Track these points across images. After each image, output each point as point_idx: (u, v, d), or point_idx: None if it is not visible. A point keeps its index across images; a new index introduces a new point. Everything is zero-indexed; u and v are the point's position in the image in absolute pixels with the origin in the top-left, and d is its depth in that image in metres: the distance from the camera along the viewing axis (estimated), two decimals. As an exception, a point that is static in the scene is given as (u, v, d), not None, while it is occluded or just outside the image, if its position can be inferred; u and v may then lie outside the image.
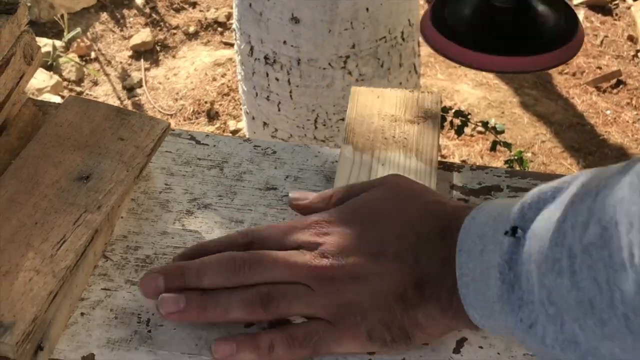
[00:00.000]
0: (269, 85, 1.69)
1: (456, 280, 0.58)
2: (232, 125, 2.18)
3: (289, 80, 1.66)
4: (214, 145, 0.79)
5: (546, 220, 0.51)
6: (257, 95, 1.73)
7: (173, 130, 0.80)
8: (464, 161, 2.02)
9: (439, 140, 0.77)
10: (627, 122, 2.25)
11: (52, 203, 0.65)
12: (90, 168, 0.68)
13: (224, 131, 2.17)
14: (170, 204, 0.73)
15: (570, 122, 2.24)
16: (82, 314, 0.65)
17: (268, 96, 1.70)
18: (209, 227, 0.71)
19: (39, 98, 2.27)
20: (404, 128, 0.77)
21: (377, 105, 0.80)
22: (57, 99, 2.33)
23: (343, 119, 1.68)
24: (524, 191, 0.75)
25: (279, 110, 1.71)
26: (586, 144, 2.18)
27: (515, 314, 0.53)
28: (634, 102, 2.31)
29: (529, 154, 2.14)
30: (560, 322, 0.49)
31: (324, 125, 1.70)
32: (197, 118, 2.22)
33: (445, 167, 0.77)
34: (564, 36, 0.80)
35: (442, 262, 0.60)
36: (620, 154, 2.17)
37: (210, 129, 2.17)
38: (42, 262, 0.61)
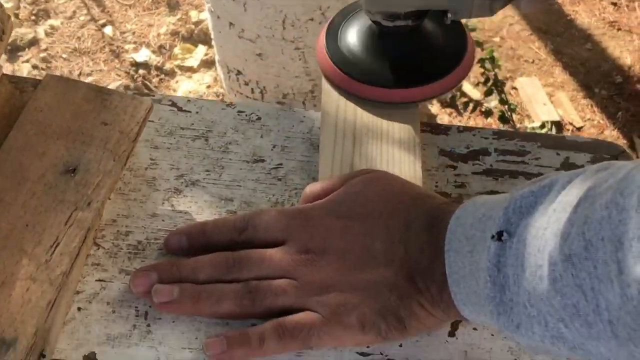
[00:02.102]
0: (234, -15, 1.63)
1: (445, 275, 0.59)
2: (194, 16, 2.12)
3: (255, -19, 1.61)
4: (197, 112, 0.77)
5: (530, 226, 0.53)
6: (221, -6, 1.67)
7: (153, 96, 0.78)
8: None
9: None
10: (594, 0, 2.23)
11: (41, 201, 0.64)
12: (75, 159, 0.66)
13: (186, 22, 2.11)
14: (157, 181, 0.72)
15: (538, 2, 2.21)
16: (79, 308, 0.65)
17: (233, -4, 1.65)
18: (198, 207, 0.71)
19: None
20: None
21: None
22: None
23: (312, 19, 1.65)
24: (511, 154, 0.76)
25: (246, 10, 1.66)
26: (554, 25, 2.16)
27: (507, 315, 0.54)
28: (600, -25, 2.28)
29: (497, 39, 2.12)
30: (545, 322, 0.52)
31: (292, 26, 1.66)
32: (157, 8, 2.15)
33: (433, 129, 0.77)
34: (454, 59, 0.76)
35: (430, 257, 0.61)
36: (587, 35, 2.15)
37: (171, 19, 2.11)
38: (38, 269, 0.61)
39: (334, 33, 0.78)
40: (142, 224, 0.70)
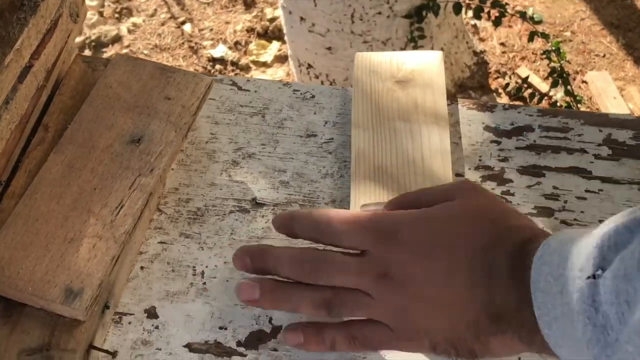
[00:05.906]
0: (304, -20, 1.68)
1: (534, 317, 0.56)
2: (269, 13, 2.18)
3: (324, -24, 1.66)
4: (255, 91, 0.82)
5: (629, 259, 0.51)
6: (293, -10, 1.73)
7: (215, 76, 0.83)
8: (502, 43, 2.01)
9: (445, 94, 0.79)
10: (669, -6, 2.21)
11: (108, 168, 0.70)
12: (140, 130, 0.72)
13: (261, 20, 2.17)
14: (216, 154, 0.77)
15: (611, -3, 2.20)
16: (141, 267, 0.71)
17: (304, -9, 1.71)
18: (253, 177, 0.76)
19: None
20: (409, 91, 0.79)
21: (381, 70, 0.81)
22: (94, -10, 2.34)
23: (380, 13, 1.69)
24: (554, 130, 0.78)
25: (316, 5, 1.71)
26: (626, 19, 2.15)
27: (616, 356, 0.51)
28: (677, -31, 2.26)
29: (568, 33, 2.12)
30: None
31: (361, 19, 1.70)
32: (234, 6, 2.22)
33: (478, 107, 0.80)
34: None
35: (517, 300, 0.58)
36: (660, 29, 2.14)
37: (247, 17, 2.18)
38: (103, 228, 0.66)
39: None
40: (201, 192, 0.75)
